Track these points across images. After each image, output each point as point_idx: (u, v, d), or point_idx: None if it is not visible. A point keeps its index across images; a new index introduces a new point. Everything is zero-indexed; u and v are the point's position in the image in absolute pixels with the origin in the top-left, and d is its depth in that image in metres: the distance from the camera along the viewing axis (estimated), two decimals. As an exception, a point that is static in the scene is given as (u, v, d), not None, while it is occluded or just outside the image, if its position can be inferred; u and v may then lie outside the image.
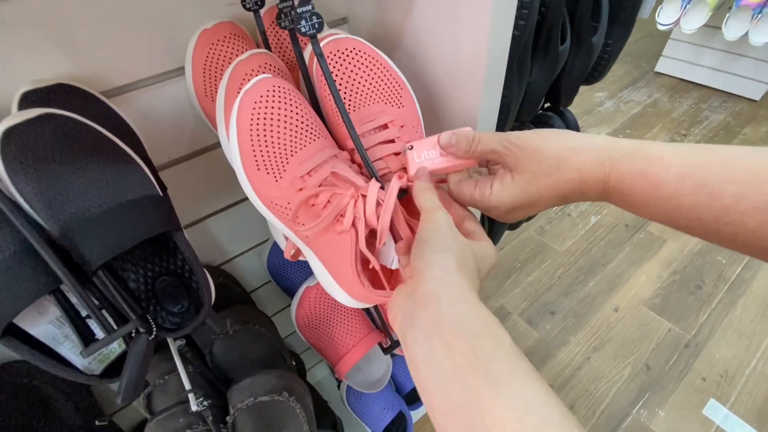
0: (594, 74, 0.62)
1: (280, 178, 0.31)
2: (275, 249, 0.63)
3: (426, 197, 0.29)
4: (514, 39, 0.40)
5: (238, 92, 0.32)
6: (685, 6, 1.75)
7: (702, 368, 1.11)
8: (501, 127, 0.55)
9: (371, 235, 0.31)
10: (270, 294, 0.72)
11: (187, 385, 0.40)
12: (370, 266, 0.32)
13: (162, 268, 0.38)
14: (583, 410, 1.05)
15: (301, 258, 0.42)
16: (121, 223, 0.31)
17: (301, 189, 0.30)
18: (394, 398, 0.83)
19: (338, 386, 0.87)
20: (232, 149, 0.31)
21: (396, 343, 0.63)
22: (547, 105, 0.68)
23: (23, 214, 0.29)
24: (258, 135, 0.30)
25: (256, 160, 0.30)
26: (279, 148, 0.30)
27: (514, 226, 0.80)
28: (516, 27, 0.42)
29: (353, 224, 0.29)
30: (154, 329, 0.33)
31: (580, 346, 1.18)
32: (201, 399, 0.41)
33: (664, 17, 1.80)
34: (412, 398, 0.91)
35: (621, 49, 0.60)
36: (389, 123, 0.34)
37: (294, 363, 0.63)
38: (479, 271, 0.28)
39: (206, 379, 0.50)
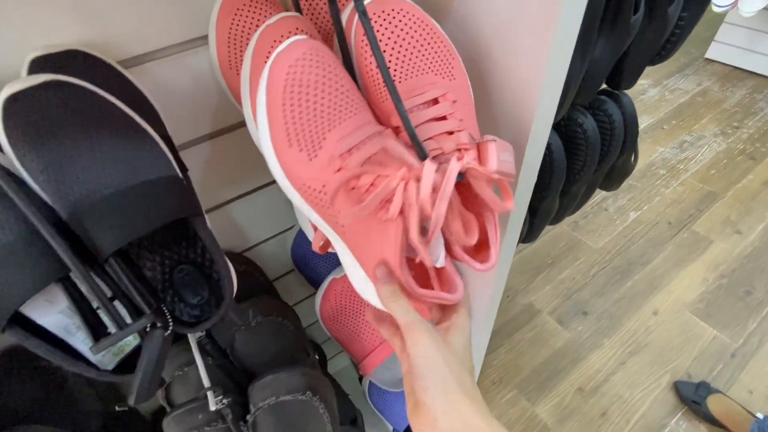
0: (662, 53, 0.55)
1: (315, 156, 0.26)
2: (300, 237, 0.59)
3: (399, 308, 0.27)
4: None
5: (267, 59, 0.28)
6: (747, -15, 1.59)
7: (749, 381, 1.03)
8: (557, 111, 0.48)
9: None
10: (293, 283, 0.69)
11: (206, 383, 0.37)
12: (417, 260, 0.28)
13: (181, 256, 0.35)
14: (616, 418, 0.99)
15: (330, 250, 0.38)
16: (137, 206, 0.28)
17: (339, 169, 0.26)
18: (418, 396, 0.80)
19: (359, 379, 0.84)
20: (259, 122, 0.27)
21: (425, 342, 0.59)
22: (602, 87, 0.61)
23: (28, 192, 0.26)
24: (292, 105, 0.25)
25: (288, 135, 0.26)
26: (315, 121, 0.26)
27: (555, 220, 0.74)
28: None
29: (401, 211, 0.24)
30: (171, 324, 0.30)
31: (614, 350, 1.11)
32: (221, 397, 0.38)
33: (722, -2, 1.65)
34: (436, 396, 0.87)
35: (695, 23, 0.53)
36: (440, 97, 0.29)
37: (317, 356, 0.60)
38: (465, 358, 0.30)
39: (227, 373, 0.47)
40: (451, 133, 0.28)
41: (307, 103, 0.25)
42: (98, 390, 0.53)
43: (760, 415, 0.89)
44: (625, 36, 0.43)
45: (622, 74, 0.51)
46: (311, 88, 0.26)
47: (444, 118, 0.28)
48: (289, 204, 0.59)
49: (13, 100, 0.25)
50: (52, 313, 0.30)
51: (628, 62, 0.50)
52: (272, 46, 0.31)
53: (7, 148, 0.26)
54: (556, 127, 0.60)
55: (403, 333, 0.28)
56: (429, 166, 0.23)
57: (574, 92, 0.45)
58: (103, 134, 0.28)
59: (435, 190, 0.23)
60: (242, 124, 0.48)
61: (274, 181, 0.55)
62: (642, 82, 2.00)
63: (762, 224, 1.35)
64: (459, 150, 0.27)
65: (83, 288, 0.29)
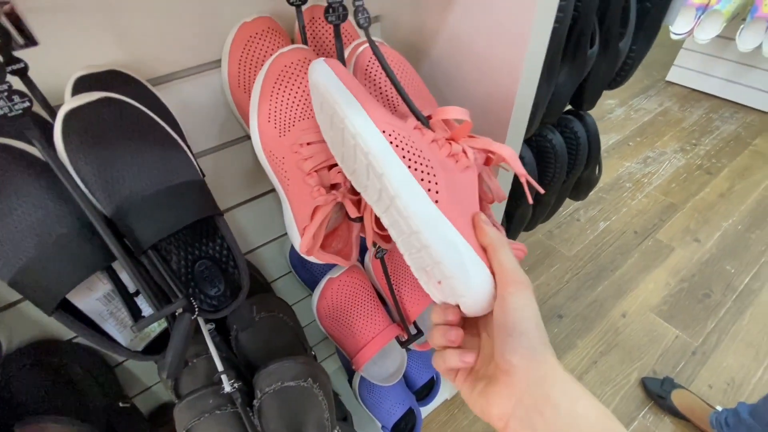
0: (617, 79, 0.63)
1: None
2: (298, 241, 0.64)
3: (506, 255, 0.27)
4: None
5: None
6: (699, 16, 1.75)
7: (709, 376, 1.11)
8: (528, 127, 0.56)
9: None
10: (288, 285, 0.73)
11: (220, 367, 0.41)
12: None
13: (201, 251, 0.39)
14: (589, 413, 1.05)
15: (314, 260, 0.43)
16: (172, 205, 0.33)
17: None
18: (406, 394, 0.84)
19: (349, 381, 0.88)
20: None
21: (413, 337, 0.64)
22: (567, 108, 0.69)
23: (82, 193, 0.30)
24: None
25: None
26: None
27: (529, 227, 0.81)
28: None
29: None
30: (197, 309, 0.35)
31: (587, 350, 1.18)
32: (233, 381, 0.42)
33: (678, 27, 1.80)
34: (423, 394, 0.92)
35: (644, 55, 0.61)
36: (431, 115, 0.35)
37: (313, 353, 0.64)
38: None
39: (231, 365, 0.51)
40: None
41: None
42: (104, 387, 0.55)
43: (719, 408, 0.97)
44: (584, 66, 0.51)
45: (584, 97, 0.59)
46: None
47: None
48: (287, 210, 0.64)
49: (71, 114, 0.30)
50: (91, 299, 0.34)
51: (588, 87, 0.57)
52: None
53: (63, 154, 0.30)
54: (528, 142, 0.68)
55: (503, 292, 0.27)
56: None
57: (542, 112, 0.52)
58: (143, 143, 0.33)
59: None
60: (245, 138, 0.53)
61: (272, 190, 0.60)
62: (610, 101, 2.14)
63: (718, 233, 1.46)
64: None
65: (124, 276, 0.33)
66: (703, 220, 1.52)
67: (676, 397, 1.03)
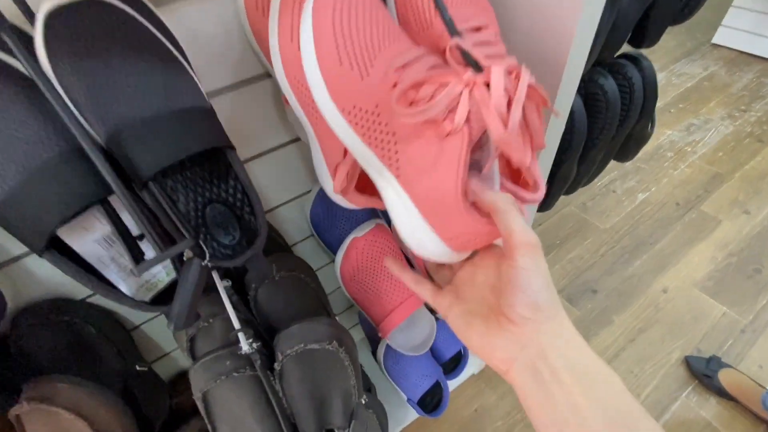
0: (685, 10, 0.54)
1: (367, 75, 0.25)
2: (319, 199, 0.59)
3: (512, 217, 0.26)
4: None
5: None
6: (757, -34, 1.58)
7: (759, 356, 1.03)
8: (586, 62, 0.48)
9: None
10: (309, 250, 0.69)
11: (237, 324, 0.37)
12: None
13: (213, 194, 0.35)
14: (626, 392, 0.99)
15: (347, 203, 0.38)
16: (175, 131, 0.28)
17: (395, 85, 0.25)
18: (433, 366, 0.80)
19: (373, 353, 0.84)
20: (303, 43, 0.26)
21: (444, 304, 0.59)
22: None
23: (70, 110, 0.26)
24: (341, 23, 0.25)
25: (339, 53, 0.25)
26: (367, 38, 0.25)
27: (570, 189, 0.74)
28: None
29: (468, 120, 0.23)
30: (208, 255, 0.30)
31: (624, 327, 1.11)
32: (251, 340, 0.38)
33: (731, -21, 1.63)
34: (449, 368, 0.88)
35: (720, -21, 0.52)
36: (483, 27, 0.29)
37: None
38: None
39: (250, 326, 0.47)
40: (500, 57, 0.28)
41: (356, 21, 0.25)
42: (120, 348, 0.53)
43: (771, 388, 0.89)
44: (654, -17, 0.43)
45: (647, 29, 0.51)
46: (360, 9, 0.25)
47: (490, 43, 0.28)
48: (308, 165, 0.58)
49: (56, 14, 0.25)
50: (88, 241, 0.30)
51: (653, 16, 0.49)
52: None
53: (46, 65, 0.25)
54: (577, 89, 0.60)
55: (507, 239, 0.26)
56: (497, 69, 0.22)
57: (601, 43, 0.45)
58: (141, 58, 0.28)
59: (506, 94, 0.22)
60: (263, 77, 0.47)
61: (293, 140, 0.55)
62: (648, 66, 1.98)
63: (770, 205, 1.35)
64: (511, 72, 0.26)
65: (125, 215, 0.29)
66: (753, 191, 1.40)
67: (724, 377, 0.96)
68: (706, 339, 1.07)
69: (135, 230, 0.31)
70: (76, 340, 0.49)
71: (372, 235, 0.54)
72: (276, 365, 0.42)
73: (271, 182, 0.57)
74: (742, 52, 2.02)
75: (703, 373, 0.97)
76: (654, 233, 1.31)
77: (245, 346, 0.37)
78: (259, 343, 0.38)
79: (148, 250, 0.31)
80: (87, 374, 0.48)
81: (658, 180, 1.47)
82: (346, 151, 0.30)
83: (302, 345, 0.41)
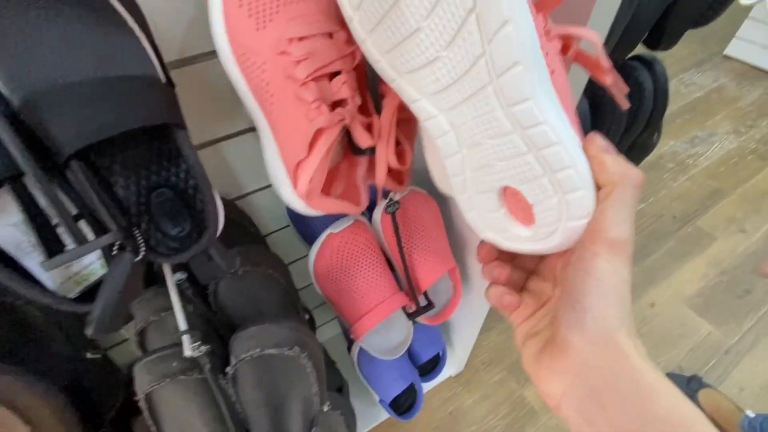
0: (708, 13, 0.50)
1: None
2: (297, 188, 0.55)
3: (619, 201, 0.22)
4: None
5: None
6: (779, -23, 1.53)
7: (741, 378, 1.01)
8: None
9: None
10: (287, 240, 0.65)
11: (182, 326, 0.33)
12: None
13: (161, 178, 0.30)
14: (604, 405, 0.97)
15: (310, 210, 0.34)
16: (108, 100, 0.23)
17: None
18: (408, 368, 0.77)
19: (348, 348, 0.81)
20: None
21: (423, 309, 0.56)
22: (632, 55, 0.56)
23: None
24: None
25: None
26: None
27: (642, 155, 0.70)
28: None
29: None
30: (143, 248, 0.26)
31: (608, 339, 1.09)
32: (198, 343, 0.34)
33: (752, -11, 1.58)
34: (426, 369, 0.85)
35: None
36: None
37: (308, 318, 0.57)
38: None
39: (208, 323, 0.43)
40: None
41: None
42: (68, 334, 0.49)
43: (750, 413, 0.88)
44: (679, -22, 0.38)
45: (665, 29, 0.46)
46: None
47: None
48: (287, 151, 0.54)
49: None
50: (2, 225, 0.25)
51: (674, 16, 0.45)
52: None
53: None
54: (583, 90, 0.56)
55: (594, 229, 0.22)
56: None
57: (616, 39, 0.40)
58: (70, 12, 0.23)
59: None
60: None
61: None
62: (658, 73, 1.94)
63: (767, 225, 1.32)
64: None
65: (40, 196, 0.25)
66: (752, 209, 1.37)
67: (704, 397, 0.94)
68: (689, 357, 1.05)
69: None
70: (19, 323, 0.45)
71: (349, 232, 0.50)
72: (229, 369, 0.38)
73: (245, 165, 0.53)
74: (753, 66, 1.97)
75: (684, 392, 0.96)
76: (648, 245, 1.29)
77: (188, 350, 0.33)
78: (207, 347, 0.35)
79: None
80: (30, 361, 0.45)
81: (656, 191, 1.44)
82: (311, 146, 0.26)
83: (258, 350, 0.37)
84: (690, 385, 0.96)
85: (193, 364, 0.36)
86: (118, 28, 0.26)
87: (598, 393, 0.20)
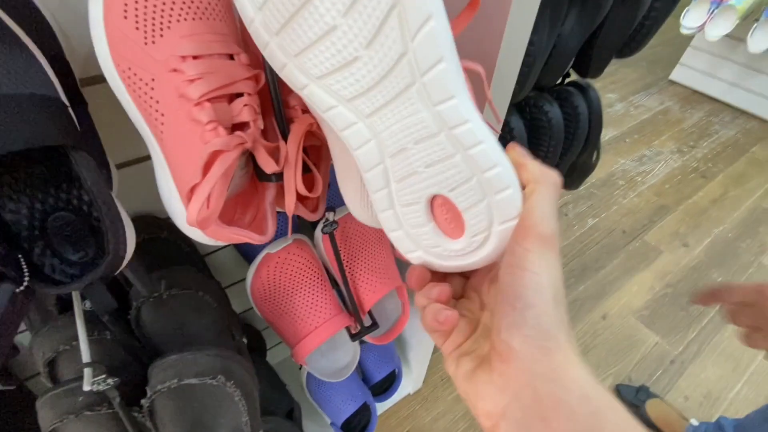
0: (631, 44, 0.53)
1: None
2: (236, 206, 0.53)
3: (543, 198, 0.21)
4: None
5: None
6: (713, 11, 1.66)
7: (686, 387, 1.06)
8: (518, 88, 0.45)
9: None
10: (229, 259, 0.63)
11: (86, 357, 0.31)
12: None
13: (60, 201, 0.29)
14: (558, 419, 0.99)
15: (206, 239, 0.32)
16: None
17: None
18: (359, 388, 0.76)
19: (300, 368, 0.79)
20: None
21: (366, 330, 0.55)
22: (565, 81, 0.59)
23: None
24: None
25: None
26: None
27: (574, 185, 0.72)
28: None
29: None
30: (26, 278, 0.24)
31: (562, 352, 1.11)
32: (104, 376, 0.32)
33: (690, 20, 1.71)
34: (382, 388, 0.84)
35: (666, 17, 0.51)
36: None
37: (246, 341, 0.54)
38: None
39: (129, 352, 0.41)
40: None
41: None
42: (-25, 365, 0.45)
43: (694, 421, 0.91)
44: (597, 12, 0.40)
45: (591, 59, 0.49)
46: None
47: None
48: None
49: None
50: None
51: (598, 45, 0.47)
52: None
53: None
54: (521, 112, 0.58)
55: (522, 225, 0.21)
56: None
57: (539, 68, 0.42)
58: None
59: None
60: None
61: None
62: (610, 96, 2.05)
63: (708, 239, 1.40)
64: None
65: None
66: (693, 224, 1.45)
67: (651, 408, 0.98)
68: (638, 368, 1.09)
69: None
70: None
71: (287, 251, 0.49)
72: (144, 401, 0.36)
73: (181, 184, 0.51)
74: (695, 91, 2.12)
75: (632, 402, 0.99)
76: (599, 259, 1.34)
77: (87, 385, 0.31)
78: (115, 379, 0.32)
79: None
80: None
81: (608, 207, 1.50)
82: (206, 168, 0.25)
83: (176, 380, 0.35)
84: (638, 396, 0.99)
85: (102, 397, 0.34)
86: (10, 46, 0.24)
87: (542, 406, 0.19)
